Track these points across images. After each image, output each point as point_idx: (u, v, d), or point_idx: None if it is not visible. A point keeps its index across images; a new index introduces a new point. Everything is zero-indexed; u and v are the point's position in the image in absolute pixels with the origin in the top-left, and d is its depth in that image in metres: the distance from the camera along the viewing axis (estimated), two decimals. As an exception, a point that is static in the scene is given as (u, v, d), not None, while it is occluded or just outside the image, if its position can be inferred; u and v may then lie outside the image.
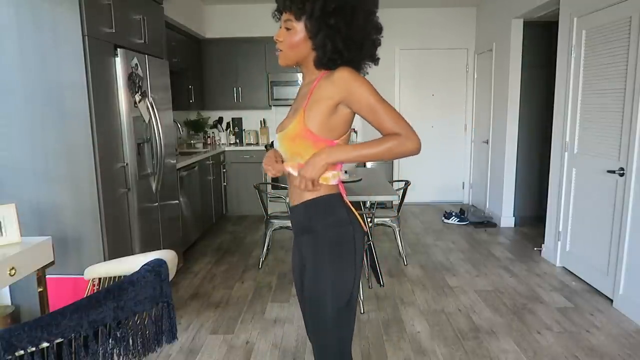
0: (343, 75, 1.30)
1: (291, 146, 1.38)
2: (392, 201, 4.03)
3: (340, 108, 1.33)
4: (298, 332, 2.74)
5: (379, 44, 1.39)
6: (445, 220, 5.27)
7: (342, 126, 1.37)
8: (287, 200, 1.57)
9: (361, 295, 3.06)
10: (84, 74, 2.48)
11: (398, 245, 4.00)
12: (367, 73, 1.42)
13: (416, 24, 5.85)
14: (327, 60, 1.35)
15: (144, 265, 1.34)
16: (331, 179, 1.38)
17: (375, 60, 1.40)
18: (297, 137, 1.36)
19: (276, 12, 1.44)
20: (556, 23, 3.77)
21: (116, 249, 2.76)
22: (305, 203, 1.41)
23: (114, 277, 1.69)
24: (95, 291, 1.39)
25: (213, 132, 5.96)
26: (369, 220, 3.58)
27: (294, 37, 1.37)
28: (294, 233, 1.55)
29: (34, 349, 1.03)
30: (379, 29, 1.37)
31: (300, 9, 1.32)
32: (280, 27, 1.41)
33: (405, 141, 1.28)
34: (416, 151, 1.31)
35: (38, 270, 1.95)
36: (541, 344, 2.57)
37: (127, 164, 2.92)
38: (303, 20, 1.33)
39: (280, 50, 1.40)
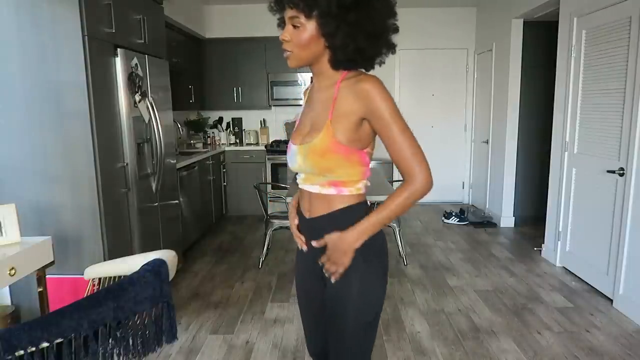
0: (367, 89, 1.17)
1: (320, 162, 1.24)
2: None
3: (365, 122, 1.23)
4: (298, 332, 2.73)
5: (397, 30, 1.26)
6: (445, 220, 5.27)
7: (369, 136, 1.26)
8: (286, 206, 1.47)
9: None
10: (84, 74, 2.47)
11: (398, 245, 3.99)
12: (384, 62, 1.30)
13: (416, 24, 5.85)
14: (347, 61, 1.23)
15: (144, 265, 1.34)
16: (362, 187, 1.31)
17: (393, 48, 1.27)
18: (327, 151, 1.22)
19: (274, 5, 1.25)
20: (556, 23, 3.77)
21: (116, 249, 2.76)
22: (337, 212, 1.29)
23: (114, 277, 1.70)
24: (95, 291, 1.39)
25: (213, 132, 5.96)
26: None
27: (303, 34, 1.21)
28: (310, 246, 1.37)
29: (34, 349, 1.03)
30: (395, 13, 1.24)
31: (311, 5, 1.16)
32: (282, 25, 1.25)
33: (419, 187, 1.19)
34: (428, 192, 1.21)
35: (38, 270, 1.95)
36: (541, 344, 2.57)
37: (127, 164, 2.92)
38: (314, 17, 1.18)
39: (289, 52, 1.24)
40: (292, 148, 1.32)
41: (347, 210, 1.28)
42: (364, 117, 1.21)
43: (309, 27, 1.20)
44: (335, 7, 1.15)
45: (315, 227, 1.32)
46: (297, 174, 1.38)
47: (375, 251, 1.30)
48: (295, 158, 1.30)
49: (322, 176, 1.27)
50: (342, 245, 1.23)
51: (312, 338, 1.50)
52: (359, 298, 1.29)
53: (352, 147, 1.23)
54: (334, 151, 1.22)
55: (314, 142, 1.24)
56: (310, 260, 1.39)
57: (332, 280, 1.28)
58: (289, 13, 1.21)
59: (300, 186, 1.37)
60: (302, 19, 1.19)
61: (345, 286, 1.29)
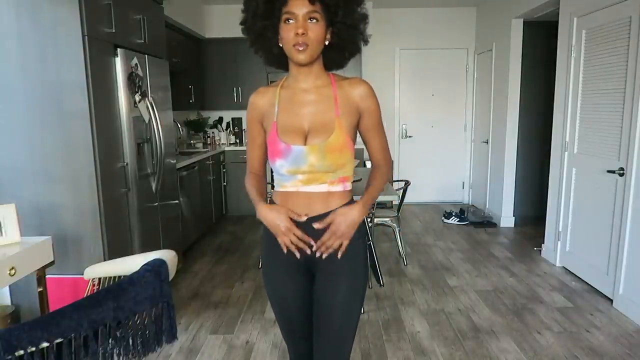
0: (366, 90, 1.34)
1: (339, 158, 1.29)
2: (392, 201, 4.03)
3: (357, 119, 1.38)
4: (298, 332, 2.73)
5: (367, 42, 1.43)
6: (445, 220, 5.27)
7: (356, 133, 1.40)
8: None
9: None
10: (84, 74, 2.48)
11: (398, 245, 3.99)
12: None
13: (416, 24, 5.84)
14: (343, 60, 1.37)
15: (144, 265, 1.34)
16: (349, 185, 1.40)
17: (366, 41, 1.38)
18: (344, 147, 1.29)
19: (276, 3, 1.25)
20: (556, 23, 3.77)
21: (116, 249, 2.76)
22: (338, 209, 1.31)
23: (114, 277, 1.70)
24: (95, 291, 1.39)
25: (213, 132, 5.96)
26: (368, 220, 3.58)
27: (322, 29, 1.25)
28: (304, 249, 1.32)
29: (34, 349, 1.03)
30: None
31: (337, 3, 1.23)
32: (288, 21, 1.24)
33: (389, 171, 1.44)
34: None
35: (38, 270, 1.95)
36: (541, 344, 2.57)
37: (127, 164, 2.92)
38: (328, 14, 1.25)
39: (307, 45, 1.23)
40: (297, 149, 1.28)
41: (347, 205, 1.35)
42: (360, 115, 1.35)
43: (322, 23, 1.25)
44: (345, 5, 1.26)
45: (312, 228, 1.29)
46: (283, 177, 1.34)
47: (364, 241, 1.42)
48: (305, 159, 1.28)
49: (334, 173, 1.31)
50: (350, 218, 1.27)
51: (297, 341, 1.51)
52: (364, 289, 1.40)
53: (353, 142, 1.35)
54: (348, 146, 1.31)
55: (331, 140, 1.28)
56: (294, 260, 1.34)
57: (339, 255, 1.31)
58: (308, 8, 1.23)
59: (295, 189, 1.33)
60: (319, 13, 1.24)
61: (358, 281, 1.40)
